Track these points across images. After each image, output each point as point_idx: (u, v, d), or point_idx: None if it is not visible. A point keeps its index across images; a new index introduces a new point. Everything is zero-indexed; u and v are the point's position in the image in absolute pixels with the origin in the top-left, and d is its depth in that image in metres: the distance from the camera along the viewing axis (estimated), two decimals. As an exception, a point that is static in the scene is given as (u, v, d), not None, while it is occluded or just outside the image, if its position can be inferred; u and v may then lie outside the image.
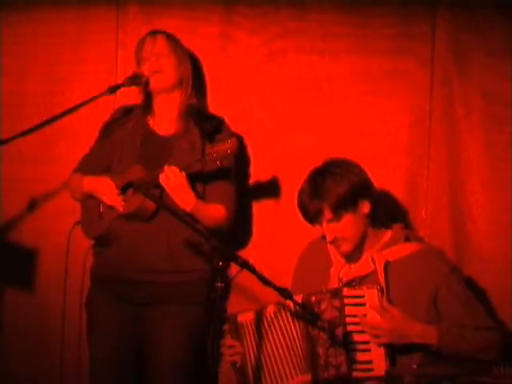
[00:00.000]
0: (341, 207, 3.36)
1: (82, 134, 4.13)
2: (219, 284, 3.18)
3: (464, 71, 3.89)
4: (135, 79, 3.78)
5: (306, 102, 4.03)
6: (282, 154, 4.05)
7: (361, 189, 3.41)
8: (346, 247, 3.44)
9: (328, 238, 3.42)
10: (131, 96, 3.92)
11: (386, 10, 3.93)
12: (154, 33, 3.84)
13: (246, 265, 3.20)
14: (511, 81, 3.81)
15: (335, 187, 3.36)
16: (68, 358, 4.11)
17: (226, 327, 3.50)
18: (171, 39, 3.84)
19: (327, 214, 3.37)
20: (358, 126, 3.99)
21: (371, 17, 3.95)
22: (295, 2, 4.02)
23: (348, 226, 3.40)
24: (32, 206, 4.24)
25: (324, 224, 3.40)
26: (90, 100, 3.73)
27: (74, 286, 4.04)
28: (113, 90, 3.76)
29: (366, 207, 3.43)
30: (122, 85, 3.79)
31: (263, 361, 3.45)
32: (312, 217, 3.41)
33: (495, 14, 3.83)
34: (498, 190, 3.85)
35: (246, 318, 3.48)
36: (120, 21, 4.18)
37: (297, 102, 4.03)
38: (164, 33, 3.84)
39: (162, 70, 3.79)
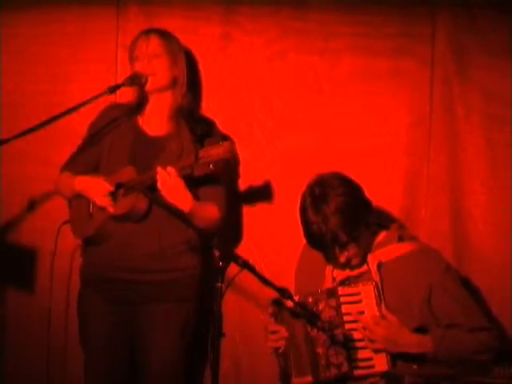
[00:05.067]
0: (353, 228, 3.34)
1: (81, 134, 4.11)
2: (219, 284, 3.17)
3: (464, 71, 3.89)
4: (135, 79, 3.77)
5: (307, 101, 4.03)
6: (282, 154, 4.06)
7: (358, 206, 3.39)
8: (356, 261, 3.43)
9: (341, 260, 3.39)
10: (131, 96, 3.91)
11: (386, 9, 3.94)
12: (147, 32, 3.82)
13: (246, 265, 3.20)
14: (511, 81, 3.82)
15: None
16: (54, 359, 4.12)
17: (269, 311, 3.49)
18: (165, 38, 3.81)
19: (342, 237, 3.32)
20: (358, 126, 3.99)
21: (371, 17, 3.96)
22: (295, 2, 4.03)
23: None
24: (31, 206, 4.23)
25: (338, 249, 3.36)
26: (90, 100, 3.74)
27: (62, 286, 4.08)
28: (112, 89, 3.76)
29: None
30: (122, 85, 3.78)
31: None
32: (328, 242, 3.34)
33: (495, 13, 3.84)
34: (498, 190, 3.85)
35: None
36: (120, 21, 4.18)
37: (297, 102, 4.04)
38: (158, 32, 3.82)
39: (155, 72, 3.77)
